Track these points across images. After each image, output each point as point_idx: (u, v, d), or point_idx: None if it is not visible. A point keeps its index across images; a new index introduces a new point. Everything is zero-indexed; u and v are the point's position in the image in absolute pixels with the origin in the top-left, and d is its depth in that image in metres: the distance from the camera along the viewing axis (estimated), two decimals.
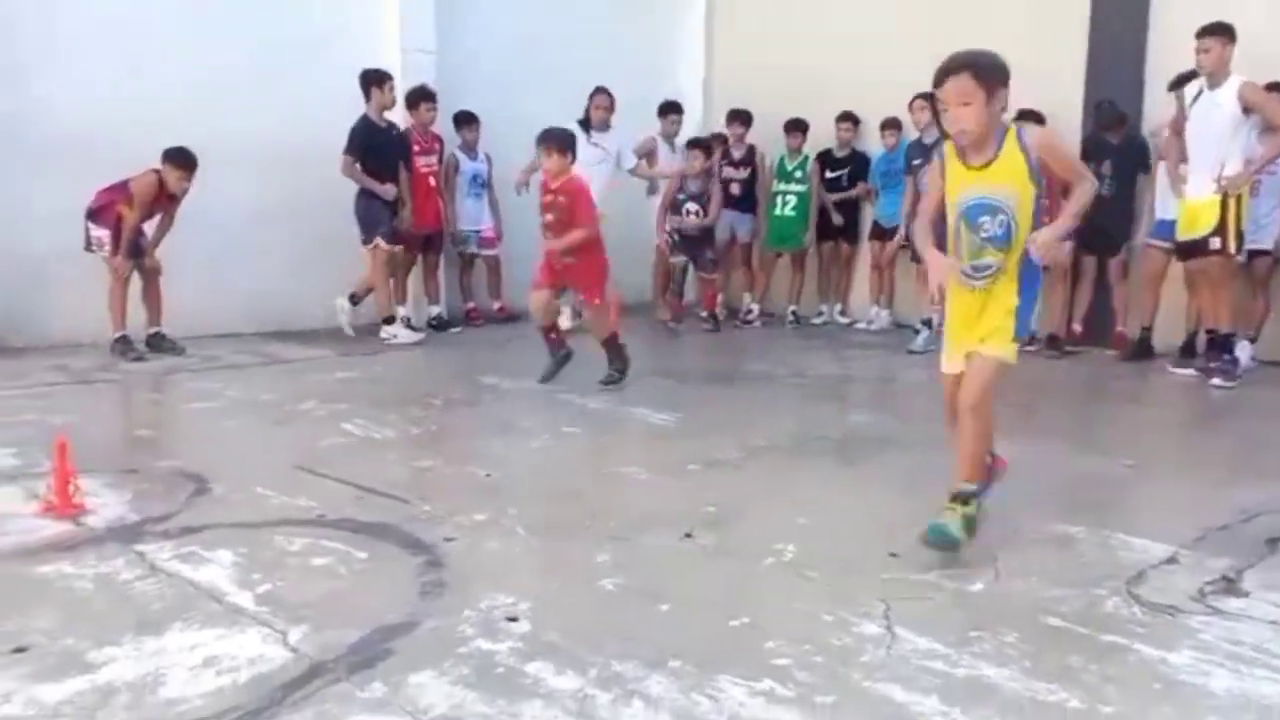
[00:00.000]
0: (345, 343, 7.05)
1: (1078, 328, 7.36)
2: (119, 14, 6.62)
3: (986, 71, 2.96)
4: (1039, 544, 3.25)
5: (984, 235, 3.05)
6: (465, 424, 4.98)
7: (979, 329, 3.11)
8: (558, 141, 5.60)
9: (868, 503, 3.76)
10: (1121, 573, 2.97)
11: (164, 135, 6.26)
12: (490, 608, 2.64)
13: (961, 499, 3.08)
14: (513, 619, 2.58)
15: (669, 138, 8.70)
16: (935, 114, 7.39)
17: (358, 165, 7.08)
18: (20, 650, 2.36)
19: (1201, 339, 6.57)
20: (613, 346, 5.82)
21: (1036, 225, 3.06)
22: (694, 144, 8.47)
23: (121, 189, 6.18)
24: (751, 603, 2.72)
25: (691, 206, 8.37)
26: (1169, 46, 6.63)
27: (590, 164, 7.94)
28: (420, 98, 7.60)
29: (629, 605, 2.71)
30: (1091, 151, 7.05)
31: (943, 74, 3.00)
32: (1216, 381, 5.99)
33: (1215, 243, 5.94)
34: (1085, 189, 3.09)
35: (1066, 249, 7.15)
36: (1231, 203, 5.89)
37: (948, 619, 2.64)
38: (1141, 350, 6.86)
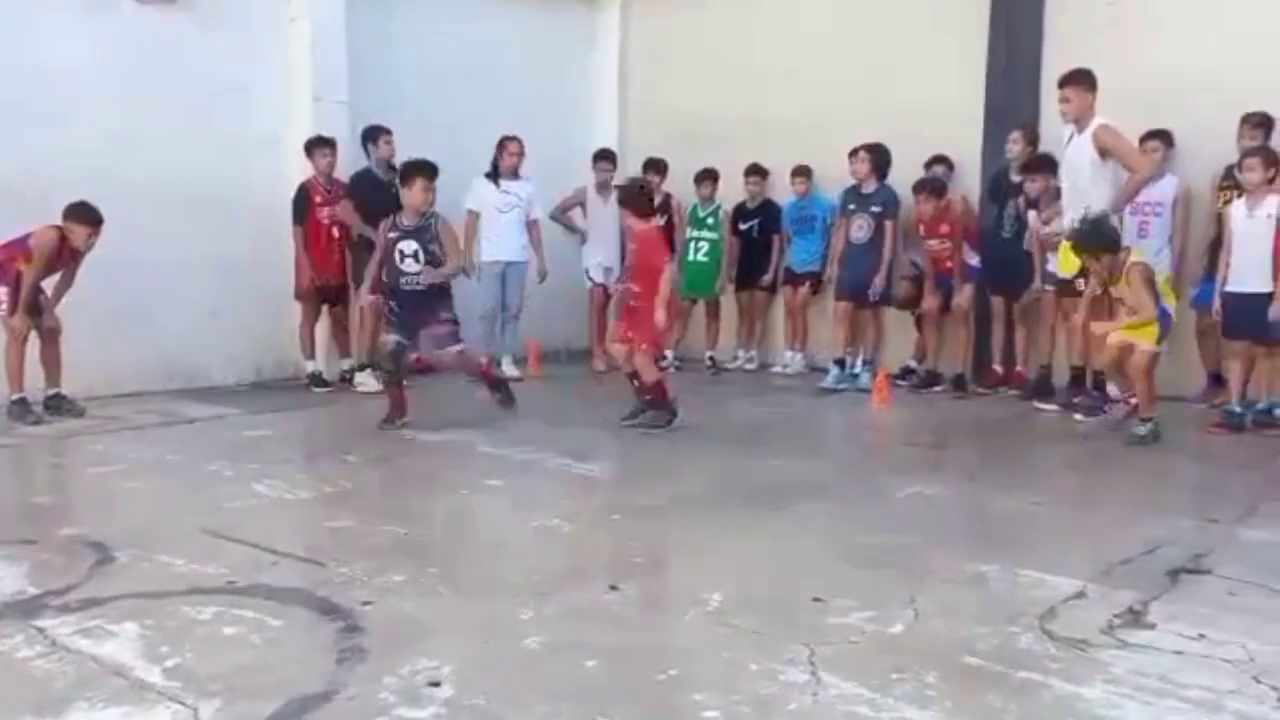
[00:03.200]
0: (255, 399, 6.88)
1: (998, 369, 7.52)
2: (39, 65, 6.45)
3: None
4: (954, 583, 3.33)
5: None
6: (382, 480, 4.89)
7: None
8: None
9: (790, 548, 3.79)
10: (1033, 609, 3.05)
11: (79, 189, 6.05)
12: (412, 673, 2.58)
13: (1143, 421, 5.59)
14: (435, 684, 2.52)
15: (601, 186, 8.62)
16: (876, 166, 7.54)
17: (357, 213, 7.33)
18: None
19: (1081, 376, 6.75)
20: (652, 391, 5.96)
21: None
22: (408, 170, 5.90)
23: (20, 245, 5.94)
24: (679, 655, 2.72)
25: (408, 248, 5.74)
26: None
27: (501, 211, 8.00)
28: (316, 145, 7.41)
29: (555, 663, 2.68)
30: (996, 194, 7.32)
31: None
32: (1079, 417, 6.28)
33: (1080, 284, 6.16)
34: None
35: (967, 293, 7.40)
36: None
37: (870, 662, 2.67)
38: (1041, 389, 7.08)
